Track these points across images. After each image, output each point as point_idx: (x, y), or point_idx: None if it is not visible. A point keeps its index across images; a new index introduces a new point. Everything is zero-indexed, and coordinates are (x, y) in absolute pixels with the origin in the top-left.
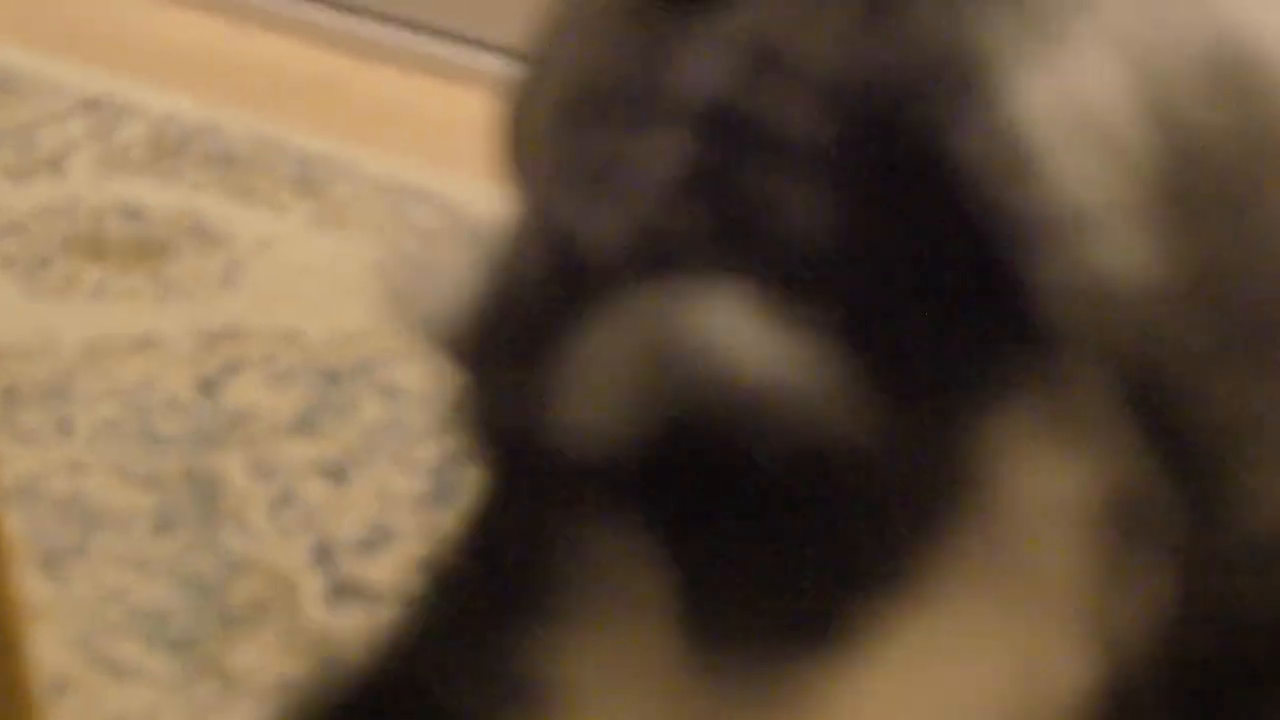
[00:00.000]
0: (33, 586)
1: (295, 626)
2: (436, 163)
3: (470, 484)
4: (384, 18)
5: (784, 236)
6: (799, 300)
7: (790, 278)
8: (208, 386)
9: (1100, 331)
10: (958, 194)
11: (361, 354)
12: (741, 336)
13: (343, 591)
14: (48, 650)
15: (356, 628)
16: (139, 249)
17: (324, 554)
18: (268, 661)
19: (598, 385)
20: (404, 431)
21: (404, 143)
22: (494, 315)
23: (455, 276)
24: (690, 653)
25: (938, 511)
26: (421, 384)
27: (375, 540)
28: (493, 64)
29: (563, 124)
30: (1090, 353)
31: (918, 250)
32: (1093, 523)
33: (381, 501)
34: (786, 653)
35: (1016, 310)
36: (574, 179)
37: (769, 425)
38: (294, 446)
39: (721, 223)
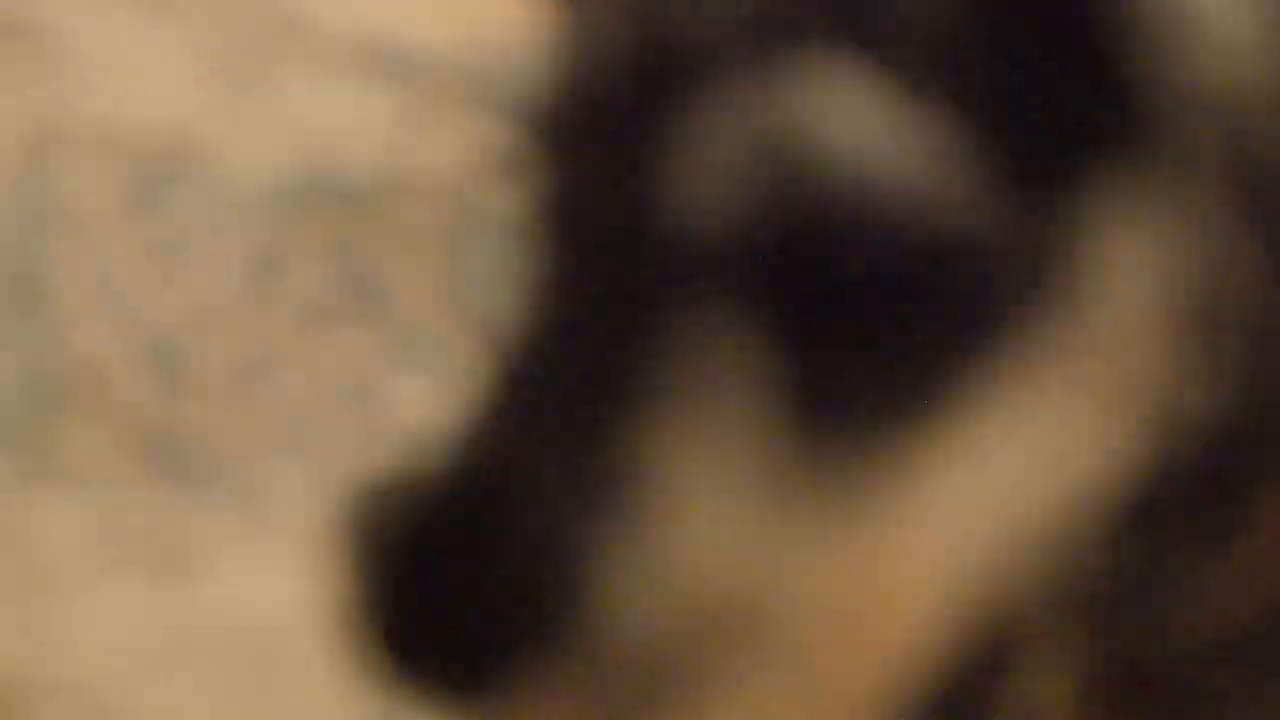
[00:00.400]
0: None
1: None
2: None
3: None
4: None
5: (900, 9)
6: (916, 78)
7: (908, 53)
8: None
9: (1212, 122)
10: None
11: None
12: (861, 119)
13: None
14: None
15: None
16: None
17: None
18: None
19: (709, 173)
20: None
21: None
22: (577, 104)
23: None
24: (794, 441)
25: (1036, 293)
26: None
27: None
28: None
29: None
30: (1198, 141)
31: (1033, 23)
32: (1173, 318)
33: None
34: (885, 432)
35: (1129, 94)
36: None
37: (888, 213)
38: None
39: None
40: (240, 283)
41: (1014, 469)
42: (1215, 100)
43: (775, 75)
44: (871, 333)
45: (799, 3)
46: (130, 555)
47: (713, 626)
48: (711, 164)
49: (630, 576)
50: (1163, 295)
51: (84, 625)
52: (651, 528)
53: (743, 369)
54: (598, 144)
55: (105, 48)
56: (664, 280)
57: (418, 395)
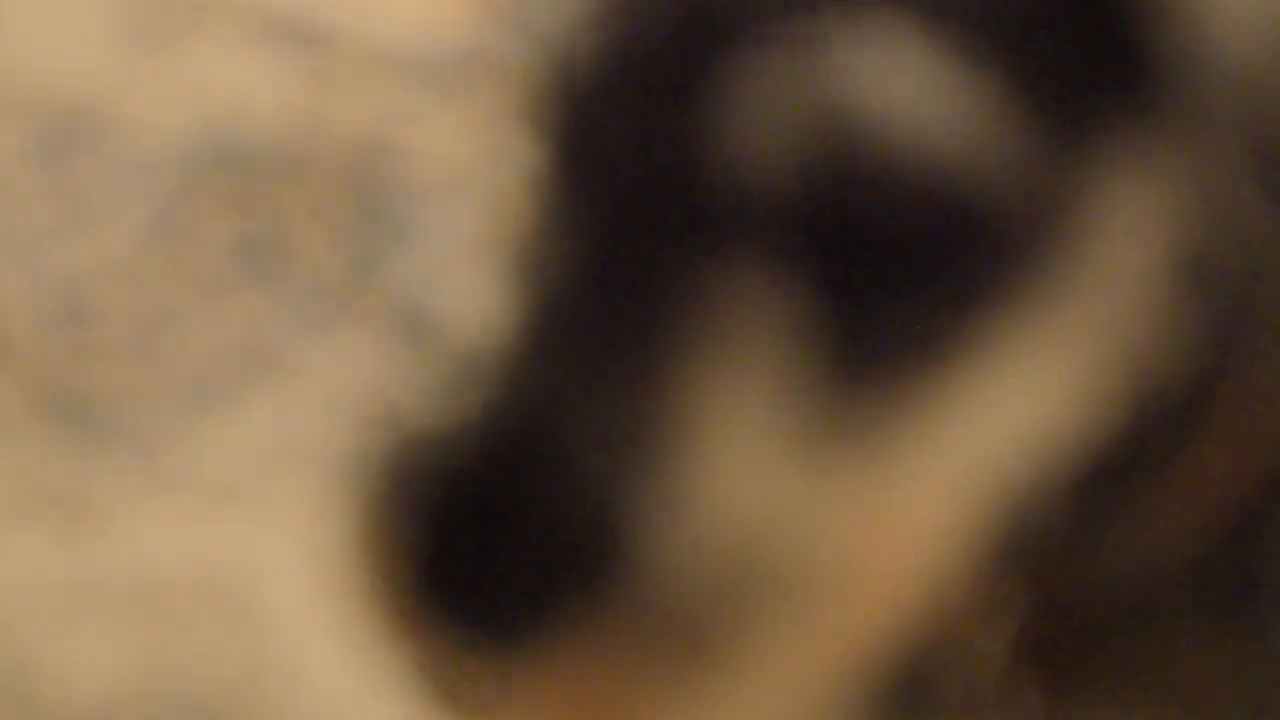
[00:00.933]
0: None
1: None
2: None
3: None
4: None
5: None
6: (960, 36)
7: (952, 13)
8: None
9: (1225, 90)
10: None
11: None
12: (909, 77)
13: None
14: None
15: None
16: None
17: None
18: None
19: (757, 127)
20: None
21: None
22: (615, 58)
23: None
24: (826, 389)
25: (1049, 247)
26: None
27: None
28: None
29: None
30: (1210, 107)
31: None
32: (1164, 277)
33: None
34: (908, 382)
35: (1147, 60)
36: None
37: (928, 169)
38: None
39: None
40: (146, 242)
41: (1015, 419)
42: (1229, 69)
43: (824, 34)
44: (901, 284)
45: None
46: (32, 508)
47: (749, 573)
48: (759, 119)
49: (672, 522)
50: (1159, 261)
51: None
52: (691, 475)
53: (778, 319)
54: (641, 97)
55: (17, 6)
56: (706, 230)
57: (321, 358)
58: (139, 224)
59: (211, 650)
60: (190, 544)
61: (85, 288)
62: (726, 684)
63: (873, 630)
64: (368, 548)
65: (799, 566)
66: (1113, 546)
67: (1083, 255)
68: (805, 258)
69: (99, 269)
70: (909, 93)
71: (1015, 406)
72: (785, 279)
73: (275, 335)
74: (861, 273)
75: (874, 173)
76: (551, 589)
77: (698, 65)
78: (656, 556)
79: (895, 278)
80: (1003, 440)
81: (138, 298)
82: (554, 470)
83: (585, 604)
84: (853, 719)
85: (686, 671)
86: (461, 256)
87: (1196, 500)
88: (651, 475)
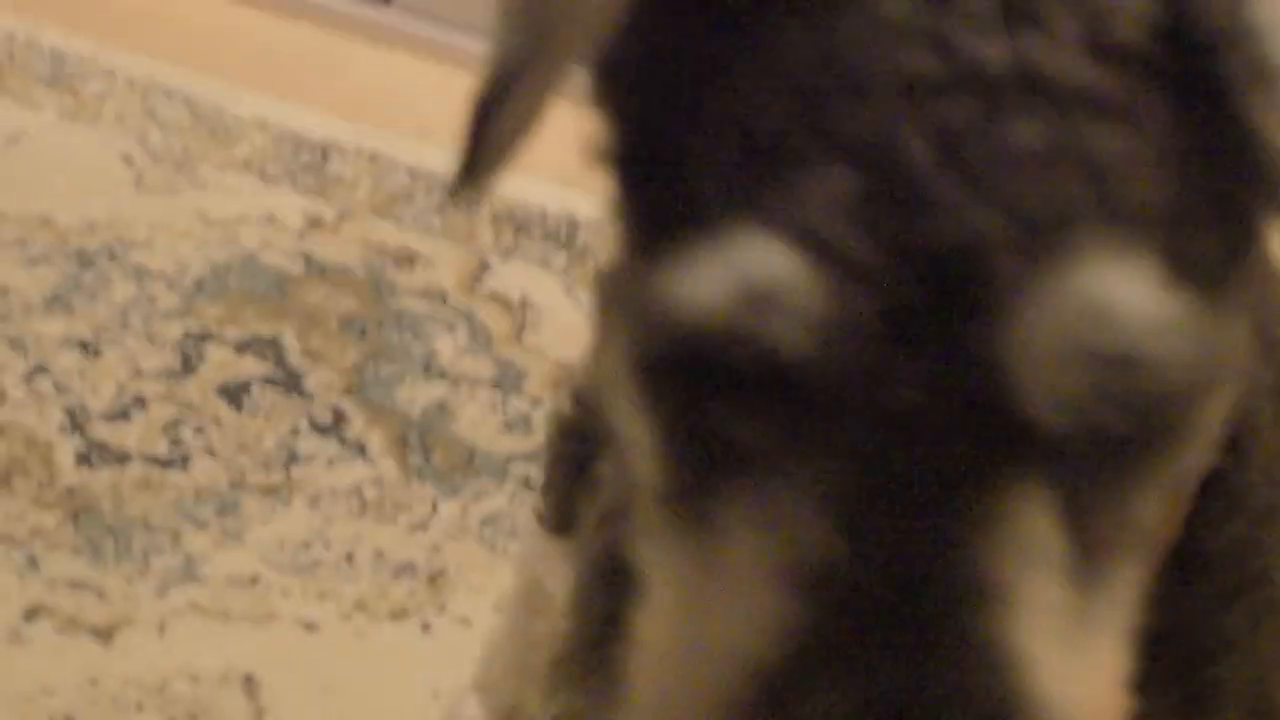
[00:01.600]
0: None
1: (49, 484)
2: (186, 64)
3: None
4: None
5: (1134, 189)
6: (1169, 257)
7: (1161, 235)
8: None
9: None
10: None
11: (111, 238)
12: (1141, 289)
13: (94, 453)
14: None
15: (106, 485)
16: None
17: (76, 420)
18: (25, 514)
19: (1038, 356)
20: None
21: (157, 44)
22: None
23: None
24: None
25: (1208, 404)
26: (166, 266)
27: (125, 408)
28: None
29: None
30: None
31: (1208, 178)
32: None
33: (130, 373)
34: (1109, 564)
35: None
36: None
37: (1175, 378)
38: (47, 324)
39: (1097, 193)
40: (166, 365)
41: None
42: None
43: (1064, 261)
44: (1108, 467)
45: (1064, 194)
46: (52, 613)
47: None
48: (1039, 348)
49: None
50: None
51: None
52: (1040, 683)
53: (1052, 526)
54: (918, 339)
55: (44, 150)
56: (983, 448)
57: (328, 467)
58: (161, 348)
59: None
60: (200, 657)
61: (106, 412)
62: None
63: None
64: None
65: None
66: None
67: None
68: (1072, 477)
69: (119, 393)
70: (1152, 302)
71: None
72: (1053, 483)
73: (291, 442)
74: (1104, 471)
75: (1137, 387)
76: None
77: (972, 305)
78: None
79: (1118, 470)
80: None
81: (156, 418)
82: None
83: None
84: None
85: None
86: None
87: None
88: (1023, 688)
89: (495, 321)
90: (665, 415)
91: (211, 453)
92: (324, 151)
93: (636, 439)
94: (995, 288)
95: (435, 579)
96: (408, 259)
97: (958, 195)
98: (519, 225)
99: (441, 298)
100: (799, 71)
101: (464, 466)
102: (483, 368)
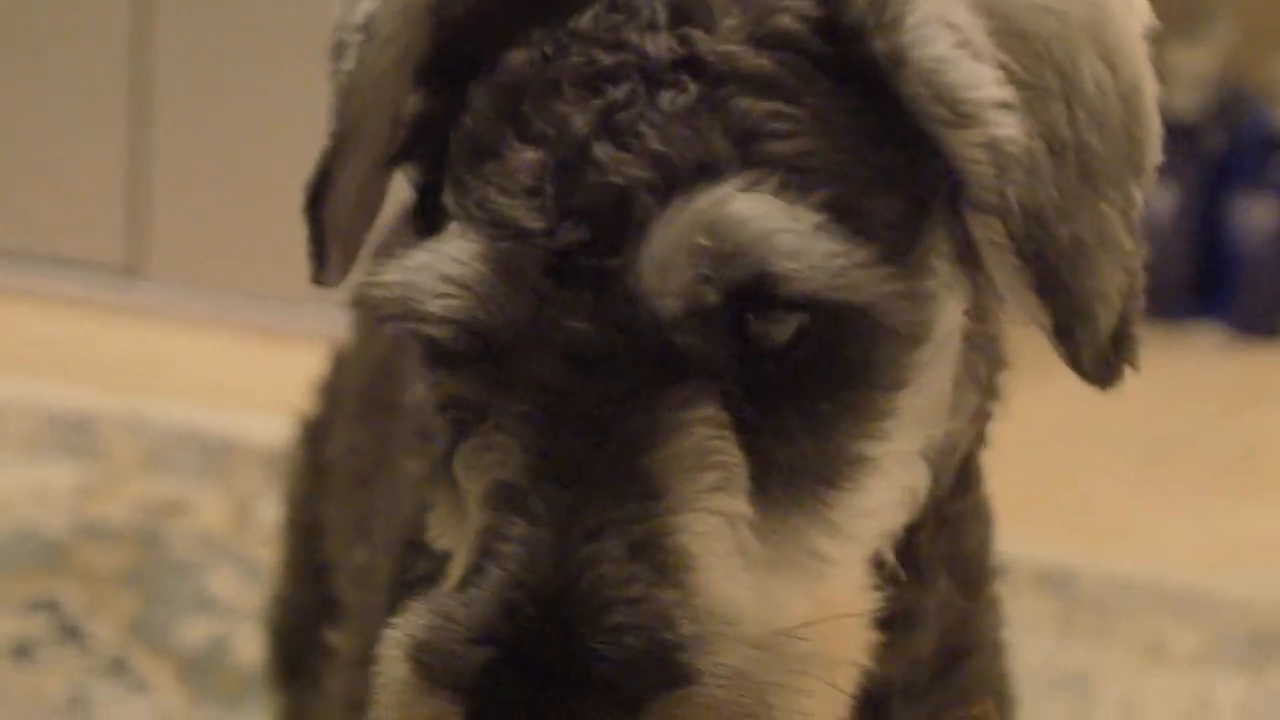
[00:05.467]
0: None
1: None
2: None
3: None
4: None
5: (780, 144)
6: (801, 191)
7: (791, 175)
8: None
9: (1000, 188)
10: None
11: None
12: (773, 216)
13: None
14: None
15: None
16: None
17: None
18: None
19: (669, 262)
20: None
21: None
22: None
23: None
24: (756, 504)
25: (913, 351)
26: None
27: None
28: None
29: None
30: (992, 206)
31: (873, 147)
32: (961, 347)
33: None
34: (818, 490)
35: (944, 183)
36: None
37: (811, 294)
38: None
39: (737, 147)
40: None
41: (889, 497)
42: (1004, 164)
43: (703, 193)
44: (797, 394)
45: (713, 148)
46: None
47: (771, 661)
48: (665, 254)
49: (710, 631)
50: (959, 323)
51: None
52: (704, 589)
53: (718, 439)
54: (566, 277)
55: None
56: (643, 367)
57: (121, 706)
58: None
59: None
60: None
61: None
62: None
63: (846, 694)
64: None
65: (800, 652)
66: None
67: (929, 332)
68: (723, 377)
69: None
70: (776, 219)
71: (890, 497)
72: (713, 399)
73: (83, 694)
74: (764, 384)
75: (778, 294)
76: (640, 703)
77: (619, 238)
78: (716, 663)
79: (791, 385)
80: (884, 531)
81: None
82: (614, 606)
83: (669, 714)
84: None
85: None
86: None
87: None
88: (678, 590)
89: (264, 556)
90: (430, 390)
91: (4, 707)
92: (85, 422)
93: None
94: (637, 222)
95: None
96: (175, 509)
97: (612, 154)
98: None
99: (210, 541)
100: (509, 81)
101: (248, 689)
102: (256, 599)
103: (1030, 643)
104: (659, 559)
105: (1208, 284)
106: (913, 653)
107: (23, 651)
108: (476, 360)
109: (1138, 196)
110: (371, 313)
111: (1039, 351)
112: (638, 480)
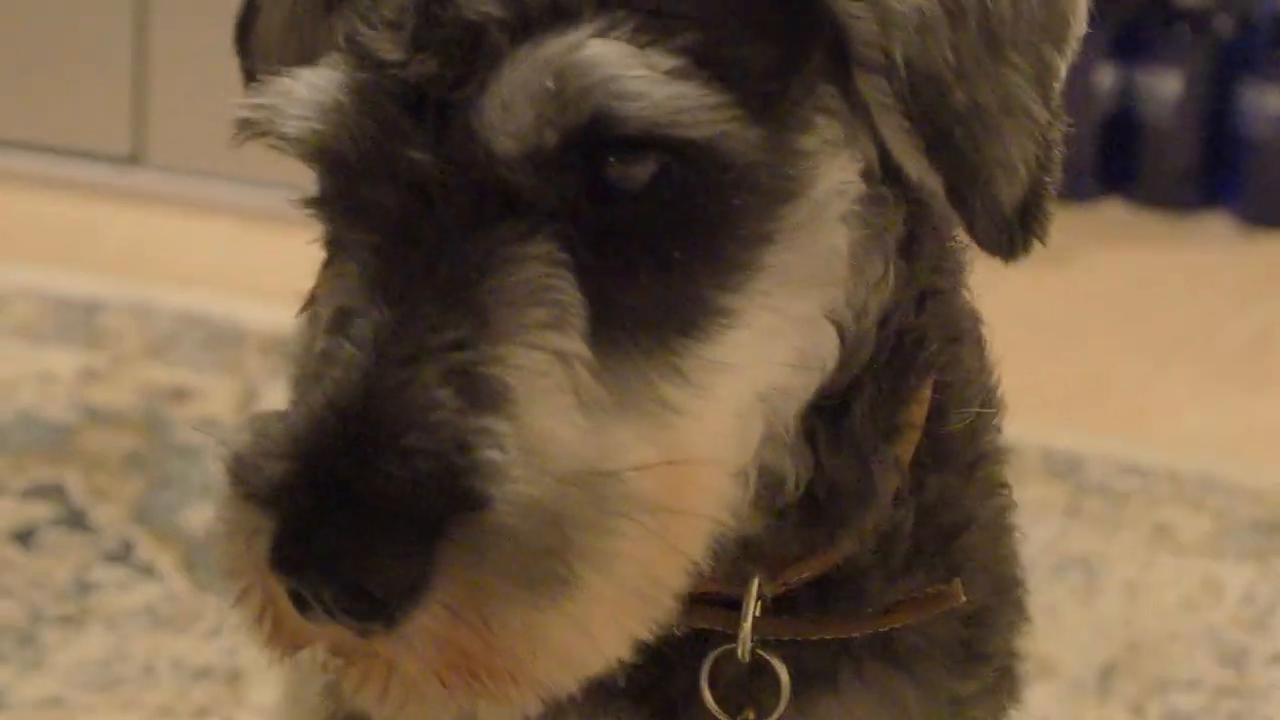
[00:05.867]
0: None
1: None
2: None
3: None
4: None
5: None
6: (660, 36)
7: (651, 19)
8: None
9: (884, 46)
10: None
11: None
12: (620, 60)
13: None
14: None
15: None
16: None
17: None
18: None
19: (512, 102)
20: None
21: None
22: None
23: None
24: (596, 346)
25: (780, 205)
26: None
27: None
28: None
29: None
30: (875, 64)
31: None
32: (851, 212)
33: None
34: (667, 338)
35: (826, 37)
36: None
37: (650, 130)
38: None
39: None
40: None
41: (761, 354)
42: (893, 23)
43: (555, 36)
44: (647, 242)
45: None
46: None
47: (585, 501)
48: (509, 94)
49: (517, 463)
50: (846, 192)
51: None
52: (517, 419)
53: (553, 276)
54: (414, 110)
55: None
56: (482, 201)
57: (120, 591)
58: None
59: None
60: None
61: None
62: (575, 596)
63: (687, 547)
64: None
65: (622, 493)
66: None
67: (796, 193)
68: (575, 218)
69: None
70: (627, 64)
71: (761, 343)
72: (562, 239)
73: (85, 573)
74: (609, 226)
75: (625, 137)
76: (431, 527)
77: (465, 76)
78: (511, 491)
79: (639, 231)
80: (757, 388)
81: None
82: (402, 427)
83: (459, 537)
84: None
85: (544, 588)
86: None
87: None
88: (492, 419)
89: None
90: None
91: (6, 593)
92: (90, 308)
93: None
94: (487, 59)
95: (233, 679)
96: (180, 395)
97: None
98: (285, 352)
99: (216, 426)
100: None
101: None
102: None
103: (1038, 526)
104: (472, 388)
105: (1217, 173)
106: (861, 529)
107: (28, 536)
108: (335, 192)
109: (1056, 65)
110: (241, 133)
111: (1050, 241)
112: (464, 310)
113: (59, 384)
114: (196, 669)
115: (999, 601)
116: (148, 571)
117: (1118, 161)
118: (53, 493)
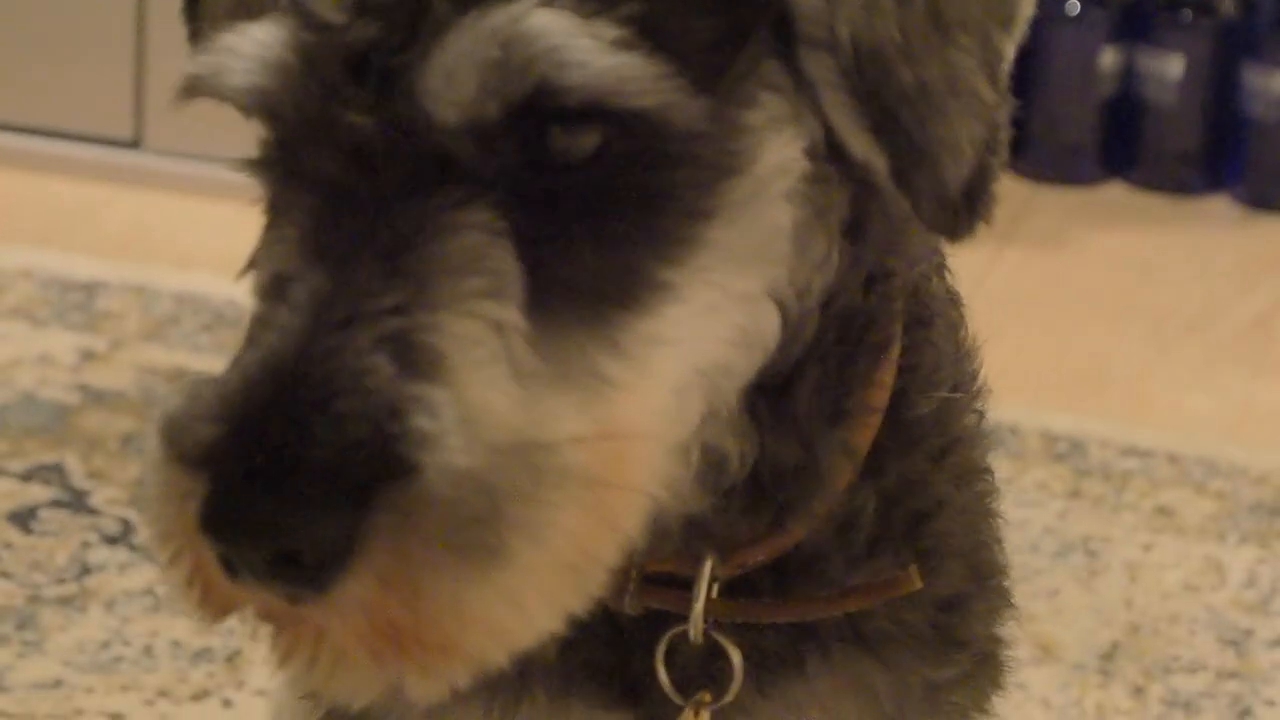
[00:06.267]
0: None
1: None
2: None
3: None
4: None
5: None
6: (605, 6)
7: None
8: None
9: (828, 22)
10: None
11: None
12: (564, 30)
13: None
14: None
15: None
16: None
17: None
18: None
19: (454, 71)
20: None
21: None
22: (309, 56)
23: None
24: (533, 317)
25: (722, 180)
26: None
27: None
28: None
29: None
30: (819, 40)
31: None
32: (795, 189)
33: None
34: (605, 311)
35: (771, 12)
36: None
37: (592, 100)
38: None
39: None
40: None
41: (700, 330)
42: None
43: (500, 6)
44: (587, 213)
45: None
46: None
47: (518, 471)
48: (451, 64)
49: (450, 431)
50: (791, 170)
51: None
52: (450, 387)
53: (490, 244)
54: (354, 76)
55: None
56: (430, 168)
57: (120, 573)
58: None
59: None
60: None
61: None
62: (506, 567)
63: (620, 520)
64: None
65: (556, 465)
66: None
67: (738, 168)
68: (507, 194)
69: None
70: (571, 33)
71: (699, 318)
72: (502, 208)
73: (83, 555)
74: (548, 199)
75: (566, 107)
76: (361, 493)
77: (407, 43)
78: (443, 460)
79: (578, 202)
80: (696, 364)
81: None
82: (335, 393)
83: (389, 504)
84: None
85: (474, 558)
86: None
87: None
88: (426, 385)
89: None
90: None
91: (6, 575)
92: (90, 290)
93: None
94: (430, 26)
95: (233, 659)
96: (180, 377)
97: None
98: None
99: None
100: None
101: None
102: None
103: (1039, 509)
104: (406, 355)
105: (1219, 156)
106: (809, 513)
107: (27, 517)
108: (275, 153)
109: (1004, 47)
110: (188, 90)
111: (1051, 224)
112: (400, 276)
113: (59, 366)
114: (196, 651)
115: (976, 588)
116: (147, 553)
117: (1120, 143)
118: (52, 474)
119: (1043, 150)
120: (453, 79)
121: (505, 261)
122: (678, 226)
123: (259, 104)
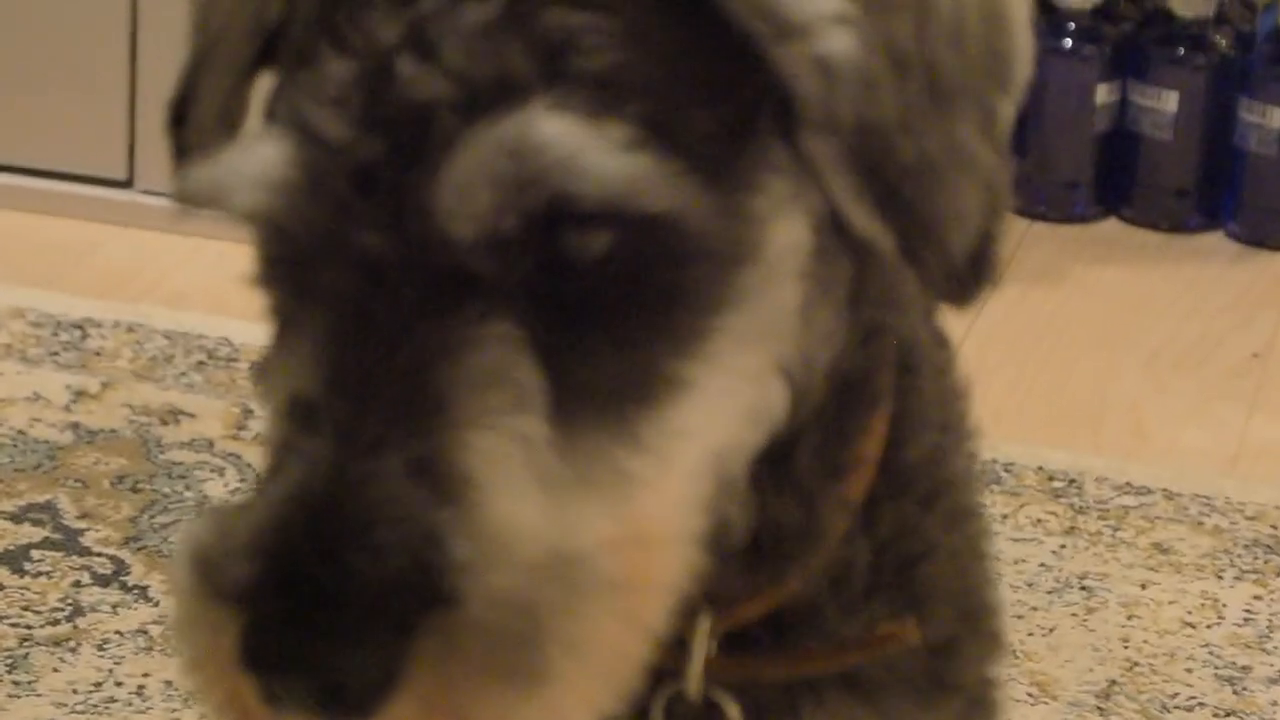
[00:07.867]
0: None
1: None
2: None
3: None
4: None
5: (589, 59)
6: (612, 107)
7: (601, 91)
8: None
9: (828, 104)
10: (717, 13)
11: None
12: (575, 137)
13: None
14: None
15: None
16: None
17: None
18: None
19: (468, 187)
20: None
21: None
22: (317, 172)
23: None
24: (555, 422)
25: (733, 270)
26: None
27: None
28: None
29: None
30: (820, 122)
31: (693, 60)
32: (803, 267)
33: None
34: (625, 409)
35: (772, 96)
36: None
37: (607, 206)
38: None
39: (538, 58)
40: None
41: (715, 415)
42: (833, 80)
43: (508, 116)
44: (603, 315)
45: (517, 65)
46: None
47: (554, 584)
48: (465, 179)
49: (484, 552)
50: (798, 249)
51: None
52: (482, 508)
53: (511, 356)
54: (359, 195)
55: None
56: (447, 287)
57: (113, 614)
58: None
59: None
60: None
61: None
62: (548, 684)
63: (652, 621)
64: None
65: (588, 576)
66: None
67: (748, 256)
68: (520, 299)
69: None
70: (580, 139)
71: (715, 411)
72: (510, 318)
73: (75, 597)
74: (564, 307)
75: (581, 214)
76: (404, 624)
77: (417, 155)
78: (482, 586)
79: (593, 309)
80: (710, 453)
81: None
82: (367, 523)
83: (432, 632)
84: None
85: (517, 678)
86: None
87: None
88: (456, 509)
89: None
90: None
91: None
92: (82, 329)
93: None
94: (438, 141)
95: None
96: (173, 416)
97: (415, 69)
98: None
99: (209, 446)
100: None
101: None
102: None
103: (1035, 546)
104: (437, 477)
105: (1215, 191)
106: (807, 567)
107: (19, 557)
108: (284, 268)
109: (1003, 109)
110: (181, 206)
111: (1047, 260)
112: (424, 397)
113: (51, 405)
114: (189, 692)
115: (967, 630)
116: (140, 593)
117: (1115, 179)
118: (44, 514)
119: (1037, 186)
120: (466, 195)
121: (526, 371)
122: (690, 319)
123: (266, 223)
